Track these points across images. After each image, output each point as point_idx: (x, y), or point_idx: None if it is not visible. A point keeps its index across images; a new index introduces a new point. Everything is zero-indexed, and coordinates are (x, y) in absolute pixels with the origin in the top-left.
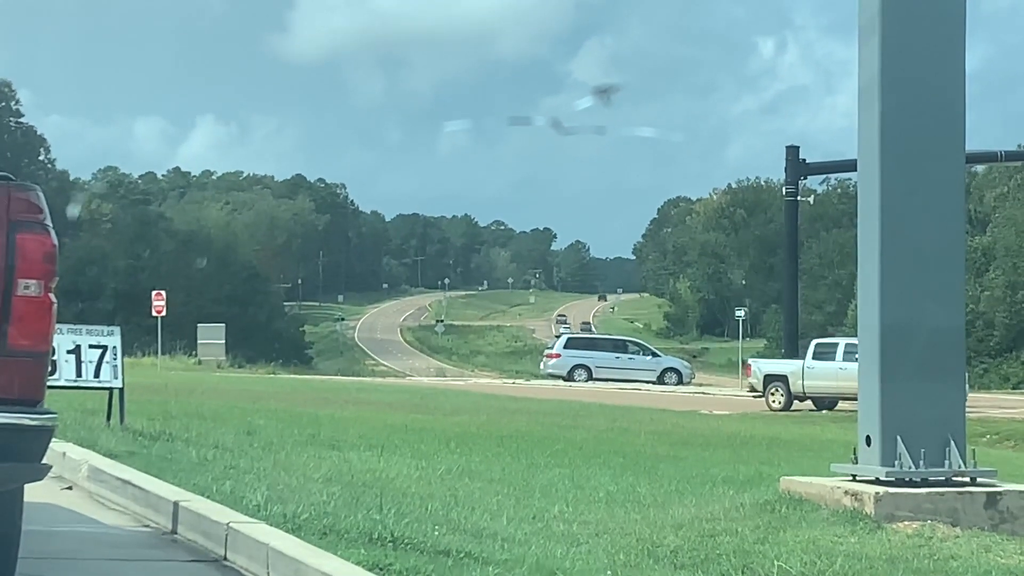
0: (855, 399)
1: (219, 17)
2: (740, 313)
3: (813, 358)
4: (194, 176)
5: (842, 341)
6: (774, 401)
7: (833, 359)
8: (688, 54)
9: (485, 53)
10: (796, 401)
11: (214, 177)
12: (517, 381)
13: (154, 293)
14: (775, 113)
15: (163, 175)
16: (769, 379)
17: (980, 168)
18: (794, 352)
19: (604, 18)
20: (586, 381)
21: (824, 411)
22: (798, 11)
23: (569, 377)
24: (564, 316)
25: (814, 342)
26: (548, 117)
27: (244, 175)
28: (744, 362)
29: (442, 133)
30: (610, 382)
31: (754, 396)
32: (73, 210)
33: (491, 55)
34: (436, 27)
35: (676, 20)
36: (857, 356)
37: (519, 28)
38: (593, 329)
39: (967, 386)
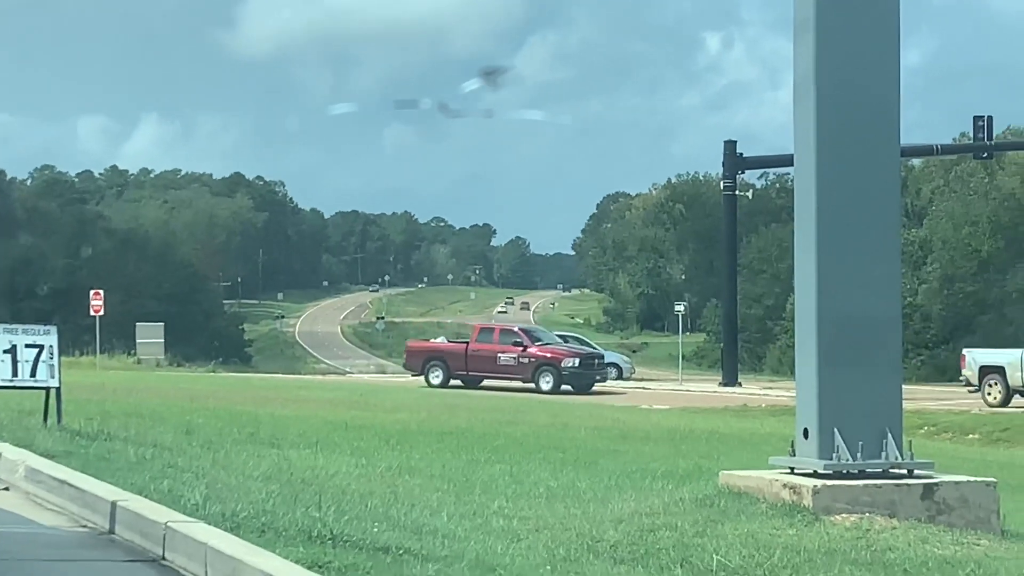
0: None
1: (167, 13)
2: (680, 308)
3: None
4: (132, 174)
5: None
6: (991, 395)
7: None
8: (635, 49)
9: (431, 50)
10: (1017, 396)
11: (152, 175)
12: None
13: (92, 292)
14: (720, 108)
15: (100, 174)
16: (985, 371)
17: (917, 162)
18: (733, 346)
19: (551, 14)
20: None
21: None
22: (745, 7)
23: None
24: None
25: None
26: (435, 101)
27: (182, 173)
28: (961, 354)
29: (333, 117)
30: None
31: (970, 391)
32: None
33: (437, 52)
34: (384, 24)
35: (623, 15)
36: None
37: (466, 25)
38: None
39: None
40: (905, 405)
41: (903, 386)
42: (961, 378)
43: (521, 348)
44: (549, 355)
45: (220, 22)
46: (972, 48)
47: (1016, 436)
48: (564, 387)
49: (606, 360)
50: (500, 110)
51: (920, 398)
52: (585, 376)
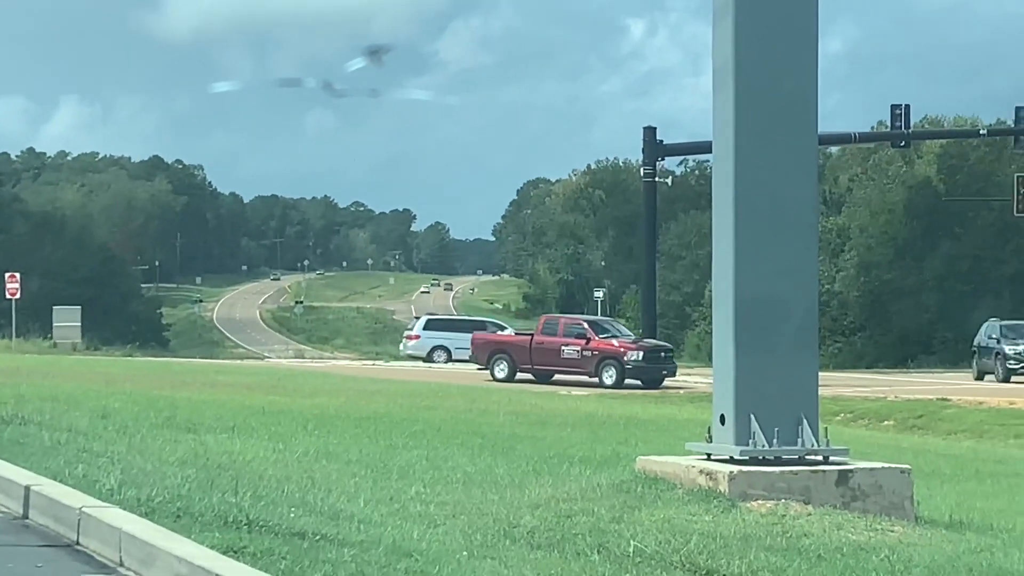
0: None
1: None
2: (599, 294)
3: None
4: (49, 157)
5: None
6: None
7: None
8: (557, 36)
9: (353, 34)
10: None
11: (69, 158)
12: (377, 363)
13: (7, 275)
14: (641, 94)
15: (17, 156)
16: None
17: (835, 149)
18: (652, 332)
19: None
20: (446, 362)
21: None
22: None
23: (429, 358)
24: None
25: None
26: (319, 79)
27: (100, 156)
28: None
29: (212, 94)
30: (469, 363)
31: None
32: None
33: (359, 36)
34: (306, 7)
35: (547, 2)
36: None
37: (388, 9)
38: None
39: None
40: (822, 392)
41: (820, 373)
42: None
43: (584, 340)
44: (612, 348)
45: (143, 3)
46: (893, 37)
47: (930, 423)
48: (629, 381)
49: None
50: (386, 90)
51: (837, 385)
52: (651, 370)
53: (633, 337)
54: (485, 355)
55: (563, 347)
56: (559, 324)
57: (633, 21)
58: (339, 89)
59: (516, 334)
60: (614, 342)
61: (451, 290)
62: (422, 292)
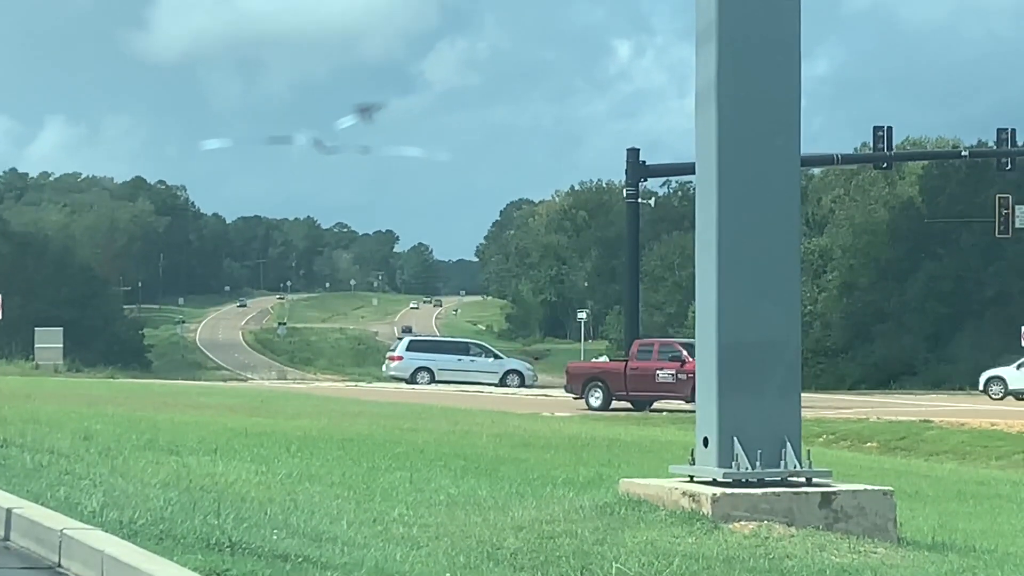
0: None
1: (78, 13)
2: (582, 315)
3: None
4: (32, 177)
5: None
6: None
7: None
8: (543, 57)
9: (341, 54)
10: None
11: (52, 179)
12: (359, 384)
13: None
14: (626, 115)
15: None
16: None
17: (817, 171)
18: None
19: (462, 19)
20: (428, 383)
21: None
22: (656, 15)
23: (412, 380)
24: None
25: None
26: (310, 137)
27: (82, 177)
28: None
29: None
30: (453, 384)
31: None
32: None
33: (347, 56)
34: (294, 28)
35: (533, 23)
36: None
37: (376, 29)
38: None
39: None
40: (804, 413)
41: (802, 394)
42: None
43: (679, 363)
44: None
45: (131, 24)
46: (878, 58)
47: (912, 444)
48: None
49: (507, 367)
50: (377, 146)
51: (819, 406)
52: None
53: None
54: (579, 384)
55: (658, 371)
56: (653, 348)
57: (620, 42)
58: (329, 146)
59: (611, 361)
60: None
61: (440, 306)
62: (411, 308)
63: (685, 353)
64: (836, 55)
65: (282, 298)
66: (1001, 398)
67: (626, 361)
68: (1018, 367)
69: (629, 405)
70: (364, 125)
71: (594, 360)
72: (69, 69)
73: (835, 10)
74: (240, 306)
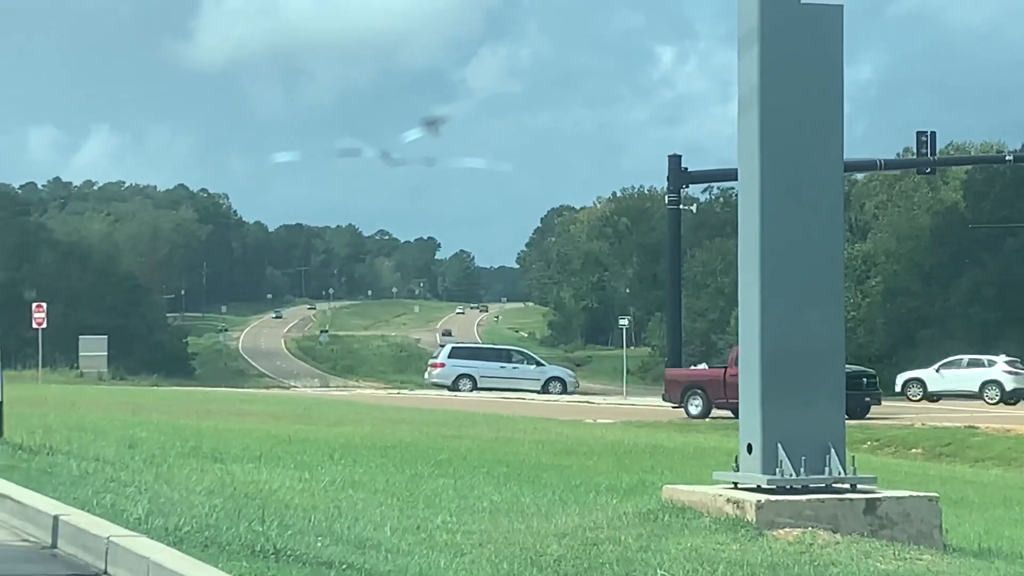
0: None
1: (123, 24)
2: (624, 321)
3: None
4: (76, 187)
5: None
6: None
7: None
8: (585, 63)
9: (384, 62)
10: None
11: (95, 188)
12: (402, 391)
13: (34, 305)
14: (669, 122)
15: (43, 185)
16: None
17: (860, 176)
18: (677, 360)
19: (504, 26)
20: (471, 391)
21: None
22: (699, 20)
23: (454, 387)
24: (449, 331)
25: None
26: (378, 149)
27: (126, 185)
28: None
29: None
30: (495, 391)
31: None
32: None
33: (390, 64)
34: (337, 35)
35: (576, 29)
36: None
37: (418, 36)
38: (453, 335)
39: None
40: (847, 420)
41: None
42: None
43: None
44: None
45: (175, 33)
46: (921, 62)
47: (958, 451)
48: None
49: (549, 374)
50: (442, 158)
51: None
52: (853, 398)
53: None
54: (678, 392)
55: None
56: None
57: (662, 48)
58: (396, 159)
59: (710, 368)
60: None
61: (486, 311)
62: (457, 313)
63: None
64: (879, 59)
65: (312, 307)
66: (919, 400)
67: (725, 368)
68: (937, 370)
69: (729, 413)
70: (431, 139)
71: (692, 367)
72: (113, 79)
73: (878, 14)
74: (276, 317)
